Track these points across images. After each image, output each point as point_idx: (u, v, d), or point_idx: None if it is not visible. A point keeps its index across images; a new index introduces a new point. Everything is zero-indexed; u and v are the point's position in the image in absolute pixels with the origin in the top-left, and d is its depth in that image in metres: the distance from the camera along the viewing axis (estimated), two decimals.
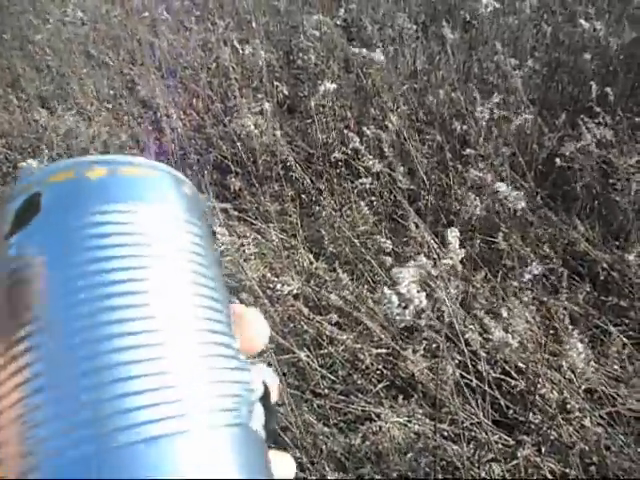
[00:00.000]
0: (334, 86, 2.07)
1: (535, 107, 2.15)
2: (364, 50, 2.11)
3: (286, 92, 2.26)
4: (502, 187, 1.50)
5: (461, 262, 1.26)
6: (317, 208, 2.00)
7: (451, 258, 1.04)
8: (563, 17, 2.56)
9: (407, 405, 1.25)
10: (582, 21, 2.12)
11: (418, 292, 0.80)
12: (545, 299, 1.47)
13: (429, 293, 1.31)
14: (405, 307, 0.79)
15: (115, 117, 2.45)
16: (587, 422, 1.31)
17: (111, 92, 2.65)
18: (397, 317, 0.79)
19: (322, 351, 1.56)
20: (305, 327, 1.55)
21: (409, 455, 1.17)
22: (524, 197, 1.52)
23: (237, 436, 0.19)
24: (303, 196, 2.09)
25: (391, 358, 1.50)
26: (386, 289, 0.81)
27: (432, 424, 1.19)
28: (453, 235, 1.04)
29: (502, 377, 1.36)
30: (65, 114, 2.50)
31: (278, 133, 1.85)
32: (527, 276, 1.33)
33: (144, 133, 2.31)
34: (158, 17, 3.02)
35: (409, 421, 1.23)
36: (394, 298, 0.80)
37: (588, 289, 1.63)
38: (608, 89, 1.92)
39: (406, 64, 2.49)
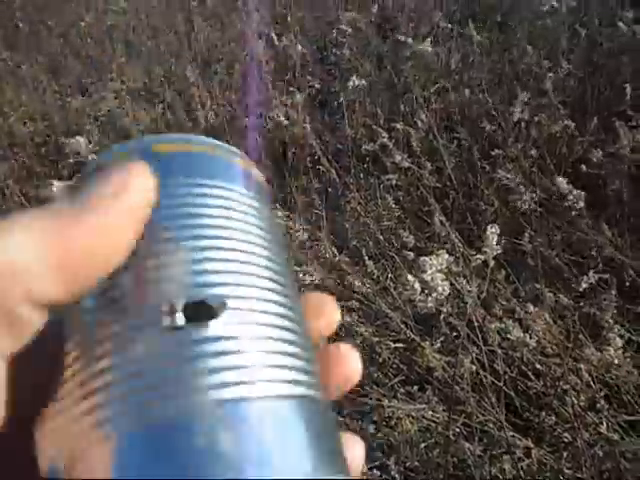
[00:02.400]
0: (364, 82, 2.08)
1: (567, 110, 2.12)
2: (410, 40, 2.11)
3: (317, 86, 2.28)
4: (563, 183, 1.50)
5: (484, 261, 1.27)
6: (343, 202, 2.02)
7: (485, 252, 1.04)
8: (601, 20, 2.52)
9: (421, 399, 1.27)
10: (621, 24, 2.08)
11: (442, 281, 0.81)
12: (568, 302, 1.46)
13: (450, 290, 1.32)
14: (428, 294, 0.81)
15: (151, 106, 2.51)
16: (603, 428, 1.30)
17: (147, 81, 2.72)
18: (419, 304, 0.81)
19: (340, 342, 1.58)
20: None
21: (421, 446, 1.18)
22: (583, 197, 1.51)
23: (304, 408, 0.19)
24: (329, 190, 2.11)
25: (408, 353, 1.51)
26: (410, 276, 0.82)
27: (445, 419, 1.20)
28: (492, 231, 1.04)
29: (518, 377, 1.35)
30: (102, 101, 2.58)
31: (308, 126, 1.88)
32: (584, 285, 1.31)
33: (179, 122, 2.36)
34: (194, 9, 3.07)
35: (423, 415, 1.24)
36: (417, 285, 0.81)
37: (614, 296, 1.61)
38: None
39: (439, 62, 2.49)
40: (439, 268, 0.80)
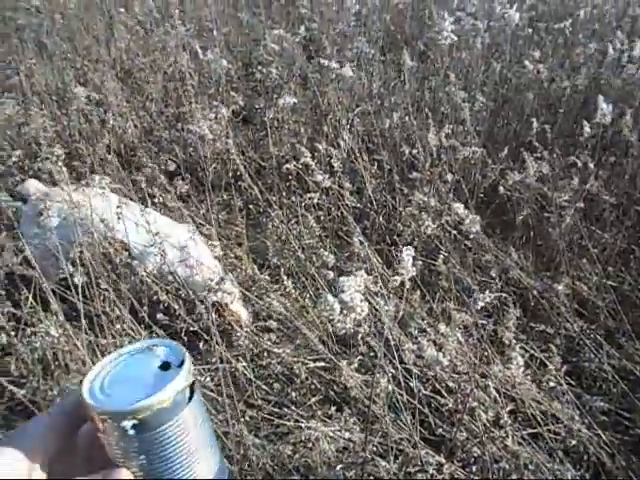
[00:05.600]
0: (294, 100, 2.09)
1: (480, 139, 2.25)
2: (333, 63, 2.14)
3: (242, 103, 2.26)
4: (460, 209, 1.55)
5: (401, 282, 1.30)
6: (264, 219, 2.01)
7: (401, 275, 1.05)
8: (512, 57, 2.71)
9: (339, 418, 1.26)
10: (527, 62, 2.24)
11: (361, 301, 0.82)
12: (479, 322, 1.52)
13: (368, 309, 1.34)
14: (346, 315, 0.81)
15: (63, 112, 2.37)
16: (509, 441, 1.36)
17: (60, 85, 2.57)
18: (338, 324, 0.81)
19: (260, 362, 1.55)
20: (243, 338, 1.54)
21: (338, 467, 1.17)
22: (478, 222, 1.57)
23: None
24: (251, 207, 2.09)
25: (324, 373, 1.51)
26: (329, 296, 0.82)
27: (362, 438, 1.21)
28: (408, 253, 1.05)
29: (432, 395, 1.39)
30: (5, 102, 2.41)
31: (231, 142, 1.85)
32: (480, 304, 1.34)
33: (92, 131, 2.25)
34: (116, 15, 2.97)
35: (340, 434, 1.24)
36: (336, 305, 0.81)
37: (518, 315, 1.70)
38: (547, 127, 2.03)
39: (362, 86, 2.55)
40: (357, 288, 0.81)
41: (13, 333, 1.21)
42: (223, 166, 2.18)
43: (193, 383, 0.40)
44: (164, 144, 2.39)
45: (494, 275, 1.76)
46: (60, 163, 1.09)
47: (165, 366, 0.40)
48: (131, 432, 0.36)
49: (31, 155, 1.85)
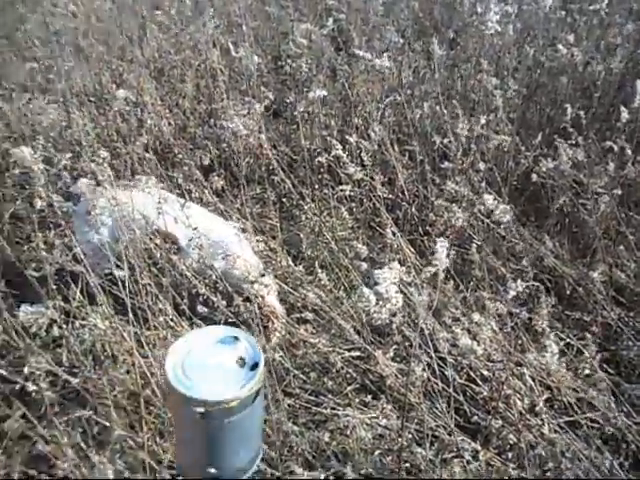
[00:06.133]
0: (324, 93, 2.11)
1: (513, 126, 2.23)
2: (368, 54, 2.15)
3: (272, 97, 2.29)
4: (489, 200, 1.54)
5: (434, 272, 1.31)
6: (297, 212, 2.04)
7: (435, 266, 1.07)
8: (544, 41, 2.66)
9: (375, 406, 1.29)
10: (560, 46, 2.20)
11: (396, 293, 0.85)
12: (514, 310, 1.52)
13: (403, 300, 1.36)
14: (382, 306, 0.84)
15: (101, 113, 2.45)
16: (545, 429, 1.37)
17: (97, 87, 2.65)
18: (374, 315, 0.85)
19: (296, 352, 1.60)
20: (280, 329, 1.58)
21: (375, 454, 1.21)
22: (509, 212, 1.56)
23: None
24: (284, 200, 2.13)
25: (360, 362, 1.54)
26: (364, 288, 0.86)
27: (398, 426, 1.24)
28: (441, 245, 1.06)
29: (467, 383, 1.40)
30: (49, 106, 2.50)
31: (263, 136, 1.89)
32: (512, 293, 1.33)
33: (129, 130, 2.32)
34: (148, 15, 3.03)
35: (377, 422, 1.27)
36: (372, 297, 0.85)
37: (554, 303, 1.69)
38: (581, 112, 1.99)
39: (392, 76, 2.55)
40: (392, 281, 0.83)
41: (64, 326, 1.28)
42: (256, 160, 2.22)
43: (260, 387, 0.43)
44: (198, 140, 2.44)
45: (527, 263, 1.75)
46: (105, 164, 1.15)
47: (241, 361, 0.44)
48: (198, 417, 0.41)
49: (74, 157, 1.93)
